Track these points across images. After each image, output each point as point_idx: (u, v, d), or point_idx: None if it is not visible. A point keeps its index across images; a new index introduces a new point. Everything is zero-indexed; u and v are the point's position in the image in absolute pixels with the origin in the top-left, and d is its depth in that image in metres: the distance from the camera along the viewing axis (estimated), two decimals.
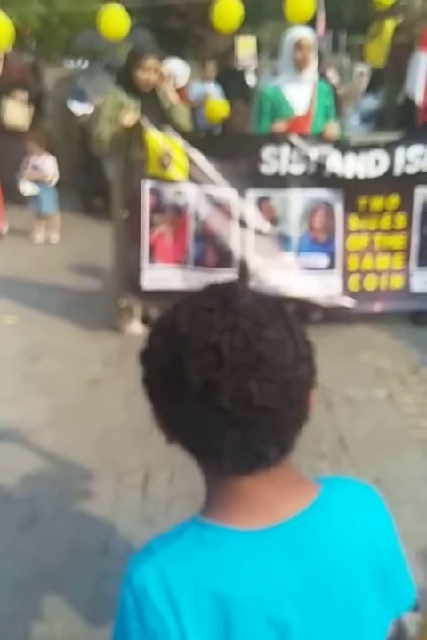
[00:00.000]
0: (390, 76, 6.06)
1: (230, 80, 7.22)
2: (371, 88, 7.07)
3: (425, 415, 3.29)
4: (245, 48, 7.24)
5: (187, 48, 9.35)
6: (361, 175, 4.00)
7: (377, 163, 4.00)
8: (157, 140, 3.80)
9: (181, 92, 6.66)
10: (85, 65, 10.52)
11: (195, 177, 3.96)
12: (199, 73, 7.51)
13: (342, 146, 4.02)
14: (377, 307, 4.28)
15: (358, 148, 4.02)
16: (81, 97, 7.07)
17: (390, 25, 6.28)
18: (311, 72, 4.11)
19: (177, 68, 6.81)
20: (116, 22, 5.67)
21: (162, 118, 3.80)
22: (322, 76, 5.59)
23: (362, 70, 10.63)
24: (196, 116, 6.84)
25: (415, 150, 4.00)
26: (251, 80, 7.34)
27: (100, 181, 6.18)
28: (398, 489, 2.66)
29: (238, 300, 0.79)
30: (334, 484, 0.91)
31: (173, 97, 3.83)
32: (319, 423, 3.22)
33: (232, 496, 0.83)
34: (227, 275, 4.14)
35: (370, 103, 6.47)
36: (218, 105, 6.88)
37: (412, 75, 5.23)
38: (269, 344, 0.76)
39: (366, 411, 3.33)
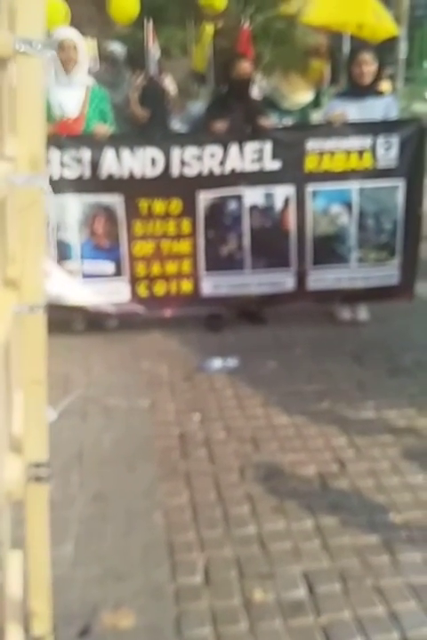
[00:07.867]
0: (214, 81, 6.05)
1: None
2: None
3: (179, 423, 3.20)
4: None
5: None
6: (138, 175, 3.91)
7: (153, 162, 3.92)
8: None
9: None
10: None
11: None
12: None
13: (116, 141, 3.91)
14: (168, 312, 4.21)
15: (132, 145, 3.90)
16: None
17: (209, 29, 6.27)
18: (82, 74, 4.00)
19: None
20: None
21: None
22: (151, 80, 5.52)
23: None
24: None
25: (191, 151, 3.94)
26: None
27: None
28: (114, 503, 2.55)
29: None
30: None
31: None
32: (65, 436, 3.06)
33: None
34: None
35: (199, 108, 6.44)
36: None
37: None
38: None
39: (120, 421, 3.21)
